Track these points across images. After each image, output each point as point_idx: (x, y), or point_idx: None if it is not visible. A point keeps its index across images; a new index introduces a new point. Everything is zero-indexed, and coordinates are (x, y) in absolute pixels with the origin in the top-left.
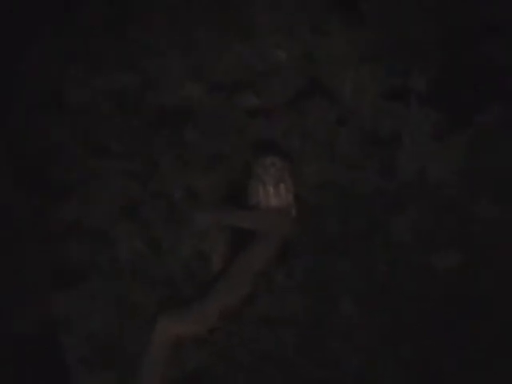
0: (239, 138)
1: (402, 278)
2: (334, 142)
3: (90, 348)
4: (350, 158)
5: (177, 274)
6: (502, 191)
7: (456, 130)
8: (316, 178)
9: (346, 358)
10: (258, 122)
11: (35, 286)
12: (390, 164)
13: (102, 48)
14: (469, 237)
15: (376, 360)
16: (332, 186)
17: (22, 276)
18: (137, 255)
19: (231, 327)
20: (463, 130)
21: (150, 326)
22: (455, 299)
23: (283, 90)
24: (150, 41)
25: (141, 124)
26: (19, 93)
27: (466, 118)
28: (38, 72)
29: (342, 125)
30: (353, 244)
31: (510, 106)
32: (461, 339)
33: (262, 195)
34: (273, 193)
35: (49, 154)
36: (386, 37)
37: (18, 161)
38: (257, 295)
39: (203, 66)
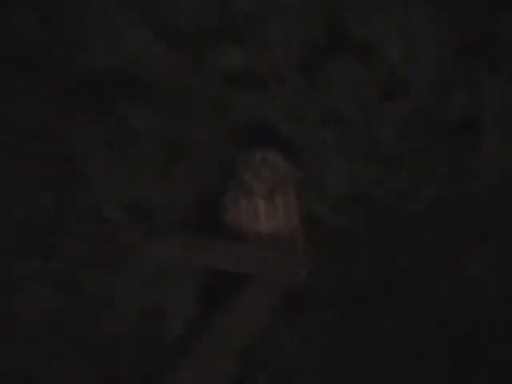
0: (215, 121)
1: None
2: (372, 131)
3: None
4: (398, 157)
5: (115, 343)
6: None
7: None
8: (341, 187)
9: None
10: (246, 96)
11: None
12: (462, 167)
13: None
14: None
15: None
16: (368, 201)
17: None
18: (49, 311)
19: None
20: None
21: None
22: None
23: (288, 44)
24: None
25: (60, 102)
26: None
27: None
28: None
29: (386, 102)
30: (400, 294)
31: None
32: None
33: (247, 213)
34: (264, 209)
35: None
36: None
37: None
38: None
39: (159, 4)
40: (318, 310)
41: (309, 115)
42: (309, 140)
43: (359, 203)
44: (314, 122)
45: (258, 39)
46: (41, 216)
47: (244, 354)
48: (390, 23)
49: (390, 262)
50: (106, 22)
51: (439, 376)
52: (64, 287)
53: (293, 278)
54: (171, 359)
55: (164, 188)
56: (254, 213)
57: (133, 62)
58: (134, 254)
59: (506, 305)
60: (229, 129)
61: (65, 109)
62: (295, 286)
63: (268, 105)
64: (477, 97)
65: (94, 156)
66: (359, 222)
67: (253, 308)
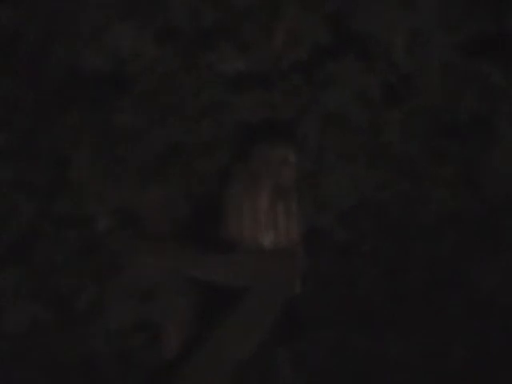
0: (210, 123)
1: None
2: (379, 132)
3: None
4: (408, 160)
5: (104, 361)
6: None
7: None
8: (345, 194)
9: None
10: (243, 100)
11: None
12: (475, 170)
13: None
14: None
15: None
16: (372, 210)
17: None
18: (33, 326)
19: None
20: None
21: None
22: None
23: (290, 43)
24: None
25: (40, 99)
26: None
27: None
28: None
29: (392, 102)
30: (408, 309)
31: None
32: None
33: (248, 224)
34: (267, 219)
35: None
36: None
37: None
38: None
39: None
40: (318, 328)
41: (310, 116)
42: (309, 142)
43: (363, 213)
44: (314, 123)
45: (258, 39)
46: (22, 224)
47: (238, 370)
48: (395, 21)
49: (397, 276)
50: (95, 19)
51: None
52: (49, 299)
53: (289, 291)
54: (164, 375)
55: (155, 196)
56: (255, 224)
57: (122, 60)
58: (122, 265)
59: None
60: (226, 131)
61: (50, 109)
62: (292, 301)
63: (267, 105)
64: (488, 96)
65: (80, 157)
66: (363, 233)
67: (248, 322)
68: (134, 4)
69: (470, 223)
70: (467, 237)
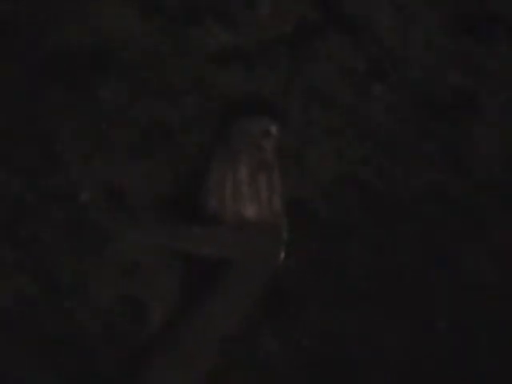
0: (194, 97)
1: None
2: (363, 109)
3: None
4: (389, 137)
5: (90, 335)
6: None
7: None
8: (329, 169)
9: None
10: (228, 74)
11: None
12: (460, 149)
13: None
14: None
15: None
16: (357, 185)
17: None
18: (19, 299)
19: None
20: None
21: None
22: None
23: (276, 18)
24: None
25: (25, 75)
26: None
27: None
28: None
29: (377, 80)
30: (394, 288)
31: None
32: None
33: (229, 196)
34: (249, 192)
35: None
36: None
37: None
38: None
39: None
40: (303, 303)
41: (294, 91)
42: (294, 116)
43: (346, 187)
44: (299, 98)
45: (245, 16)
46: (8, 199)
47: (225, 344)
48: None
49: (381, 251)
50: None
51: (435, 375)
52: (34, 273)
53: (274, 264)
54: (149, 350)
55: (139, 171)
56: (238, 196)
57: (107, 35)
58: (107, 240)
59: (506, 293)
60: (209, 105)
61: (37, 86)
62: (277, 276)
63: (253, 81)
64: (473, 73)
65: (67, 135)
66: (347, 208)
67: (233, 296)
68: None
69: (455, 200)
70: (452, 214)
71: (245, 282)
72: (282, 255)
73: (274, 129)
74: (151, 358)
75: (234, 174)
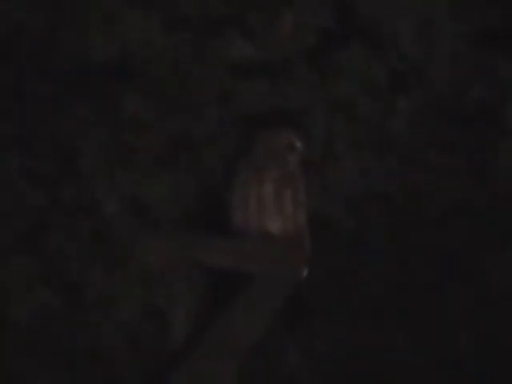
0: (220, 110)
1: None
2: (388, 122)
3: None
4: (416, 149)
5: (115, 348)
6: None
7: None
8: (354, 183)
9: None
10: (252, 85)
11: None
12: (485, 162)
13: None
14: None
15: None
16: (382, 199)
17: None
18: (44, 314)
19: None
20: None
21: None
22: None
23: (299, 31)
24: None
25: (49, 87)
26: None
27: None
28: None
29: (401, 93)
30: (417, 304)
31: None
32: None
33: (254, 211)
34: (273, 207)
35: None
36: None
37: None
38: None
39: None
40: (324, 317)
41: (318, 104)
42: (318, 130)
43: (371, 202)
44: (323, 112)
45: (269, 29)
46: (32, 214)
47: (246, 356)
48: (404, 9)
49: (405, 266)
50: (105, 7)
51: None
52: (59, 287)
53: (297, 278)
54: (174, 363)
55: (164, 184)
56: (262, 210)
57: (132, 49)
58: (131, 253)
59: None
60: (234, 118)
61: (61, 99)
62: (299, 289)
63: (277, 94)
64: (499, 85)
65: (92, 148)
66: (371, 222)
67: (256, 309)
68: None
69: (479, 214)
70: (476, 228)
71: (268, 296)
72: (306, 269)
73: (298, 143)
74: (175, 371)
75: (258, 188)
